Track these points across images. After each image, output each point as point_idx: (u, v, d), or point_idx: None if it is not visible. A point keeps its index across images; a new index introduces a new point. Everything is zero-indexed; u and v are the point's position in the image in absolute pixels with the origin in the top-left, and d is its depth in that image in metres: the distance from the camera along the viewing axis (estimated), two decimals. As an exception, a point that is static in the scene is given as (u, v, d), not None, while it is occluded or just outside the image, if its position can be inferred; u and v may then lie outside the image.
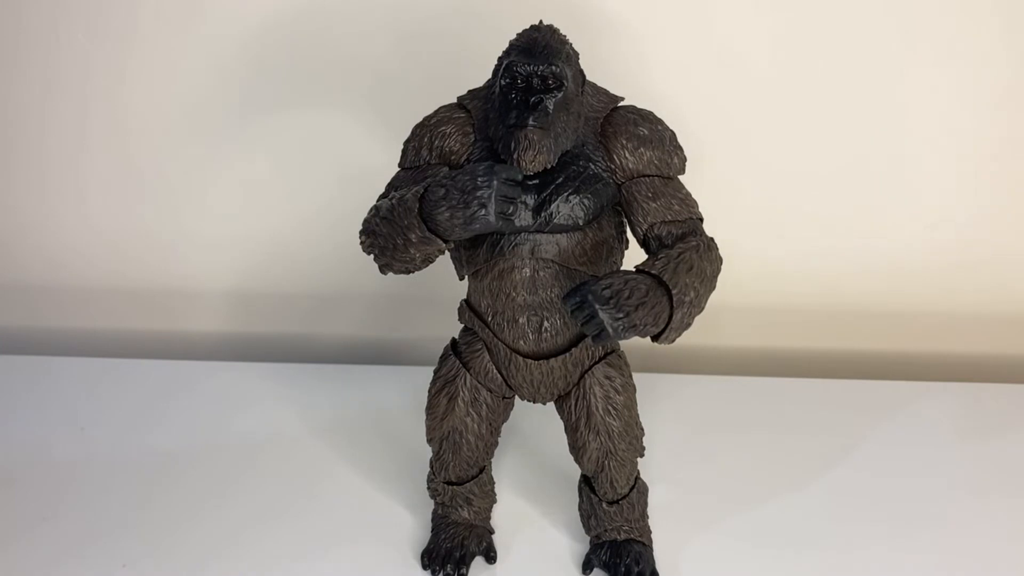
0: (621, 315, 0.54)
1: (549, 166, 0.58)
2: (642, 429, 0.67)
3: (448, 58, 0.88)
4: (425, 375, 0.68)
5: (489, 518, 0.73)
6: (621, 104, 0.62)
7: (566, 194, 0.59)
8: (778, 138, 0.91)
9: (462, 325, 0.67)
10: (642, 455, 0.67)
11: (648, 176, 0.60)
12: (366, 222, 0.60)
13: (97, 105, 0.92)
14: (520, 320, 0.62)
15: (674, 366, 0.95)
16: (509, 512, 0.75)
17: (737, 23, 0.86)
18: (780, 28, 0.87)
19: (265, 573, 0.69)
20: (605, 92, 0.63)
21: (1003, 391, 0.92)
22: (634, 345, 0.62)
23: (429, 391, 0.67)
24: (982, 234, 0.95)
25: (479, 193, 0.55)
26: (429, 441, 0.69)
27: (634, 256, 0.63)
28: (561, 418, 0.67)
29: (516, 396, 0.67)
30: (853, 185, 0.93)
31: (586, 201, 0.59)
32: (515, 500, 0.77)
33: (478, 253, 0.61)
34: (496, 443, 0.69)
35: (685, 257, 0.57)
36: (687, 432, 0.85)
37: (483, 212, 0.55)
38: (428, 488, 0.72)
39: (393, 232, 0.58)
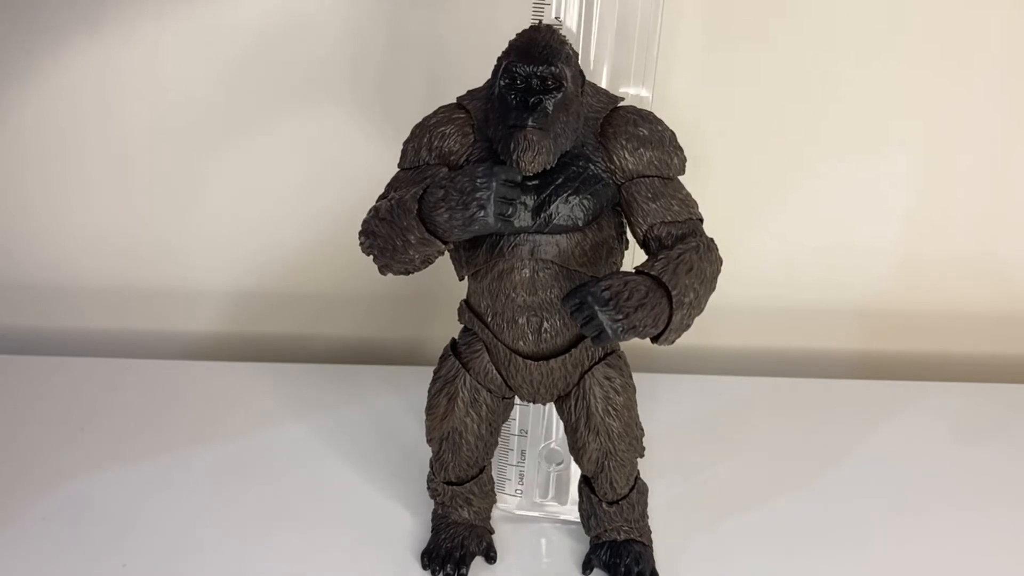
0: (620, 317, 0.54)
1: (548, 167, 0.57)
2: (642, 429, 0.67)
3: (447, 58, 0.88)
4: (425, 375, 0.68)
5: (489, 518, 0.73)
6: (621, 104, 0.62)
7: (566, 195, 0.58)
8: (777, 137, 0.91)
9: (462, 325, 0.67)
10: (642, 455, 0.67)
11: (648, 177, 0.60)
12: (365, 223, 0.60)
13: (98, 106, 0.92)
14: (520, 321, 0.61)
15: (674, 366, 0.95)
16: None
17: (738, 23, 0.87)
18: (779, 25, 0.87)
19: (265, 572, 0.69)
20: (605, 92, 0.62)
21: (1003, 391, 0.92)
22: (634, 345, 0.62)
23: (429, 391, 0.67)
24: (982, 235, 0.95)
25: (478, 195, 0.55)
26: (429, 441, 0.69)
27: (634, 257, 0.63)
28: (561, 418, 0.67)
29: (516, 396, 0.67)
30: (852, 185, 0.93)
31: (586, 202, 0.59)
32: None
33: (478, 254, 0.61)
34: (496, 443, 0.69)
35: (685, 258, 0.57)
36: (687, 432, 0.85)
37: (482, 214, 0.55)
38: (428, 488, 0.72)
39: (392, 233, 0.58)
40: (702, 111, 0.88)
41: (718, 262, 0.59)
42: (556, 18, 0.65)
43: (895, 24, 0.86)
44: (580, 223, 0.59)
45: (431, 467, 0.71)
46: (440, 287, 0.77)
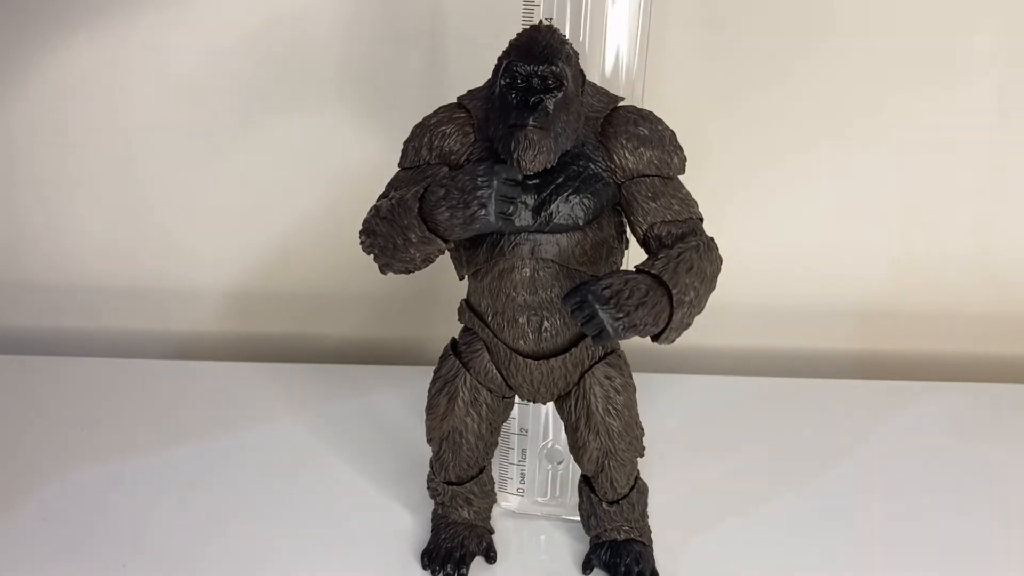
0: (621, 315, 0.54)
1: (549, 166, 0.57)
2: (642, 429, 0.67)
3: (446, 58, 0.88)
4: (425, 375, 0.68)
5: (489, 518, 0.73)
6: (621, 104, 0.62)
7: (566, 194, 0.58)
8: (775, 137, 0.91)
9: (462, 325, 0.67)
10: (642, 455, 0.67)
11: (648, 176, 0.60)
12: (366, 222, 0.60)
13: (97, 106, 0.92)
14: (520, 320, 0.62)
15: (674, 366, 0.95)
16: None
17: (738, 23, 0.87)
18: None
19: (264, 572, 0.69)
20: (605, 92, 0.62)
21: (1003, 391, 0.92)
22: (634, 345, 0.62)
23: (429, 391, 0.67)
24: (982, 235, 0.95)
25: (479, 193, 0.55)
26: (429, 441, 0.69)
27: (634, 256, 0.63)
28: (561, 418, 0.67)
29: (516, 396, 0.67)
30: (852, 186, 0.93)
31: (586, 201, 0.59)
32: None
33: (478, 253, 0.61)
34: (496, 443, 0.69)
35: (685, 257, 0.57)
36: (687, 432, 0.85)
37: (483, 212, 0.55)
38: (428, 488, 0.72)
39: (393, 232, 0.58)
40: (700, 110, 0.89)
41: (718, 261, 0.59)
42: (548, 18, 0.65)
43: (890, 21, 0.87)
44: (580, 222, 0.59)
45: (431, 467, 0.71)
46: (440, 287, 0.77)
